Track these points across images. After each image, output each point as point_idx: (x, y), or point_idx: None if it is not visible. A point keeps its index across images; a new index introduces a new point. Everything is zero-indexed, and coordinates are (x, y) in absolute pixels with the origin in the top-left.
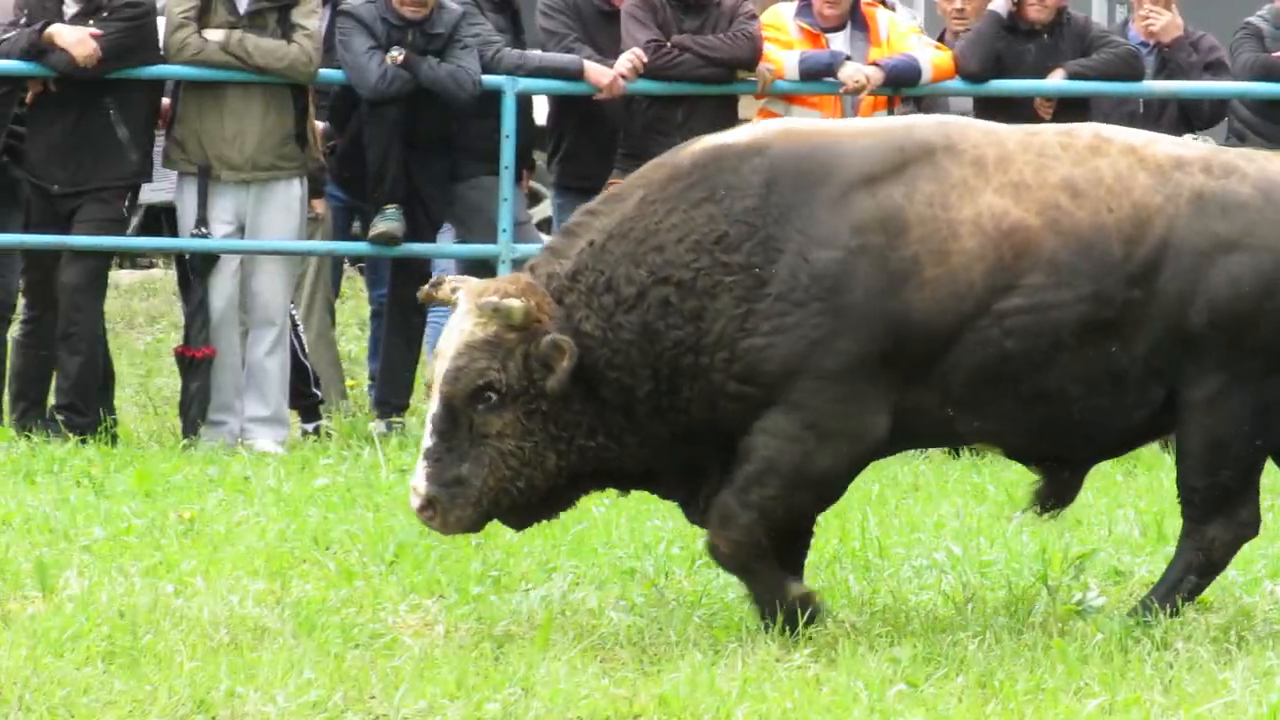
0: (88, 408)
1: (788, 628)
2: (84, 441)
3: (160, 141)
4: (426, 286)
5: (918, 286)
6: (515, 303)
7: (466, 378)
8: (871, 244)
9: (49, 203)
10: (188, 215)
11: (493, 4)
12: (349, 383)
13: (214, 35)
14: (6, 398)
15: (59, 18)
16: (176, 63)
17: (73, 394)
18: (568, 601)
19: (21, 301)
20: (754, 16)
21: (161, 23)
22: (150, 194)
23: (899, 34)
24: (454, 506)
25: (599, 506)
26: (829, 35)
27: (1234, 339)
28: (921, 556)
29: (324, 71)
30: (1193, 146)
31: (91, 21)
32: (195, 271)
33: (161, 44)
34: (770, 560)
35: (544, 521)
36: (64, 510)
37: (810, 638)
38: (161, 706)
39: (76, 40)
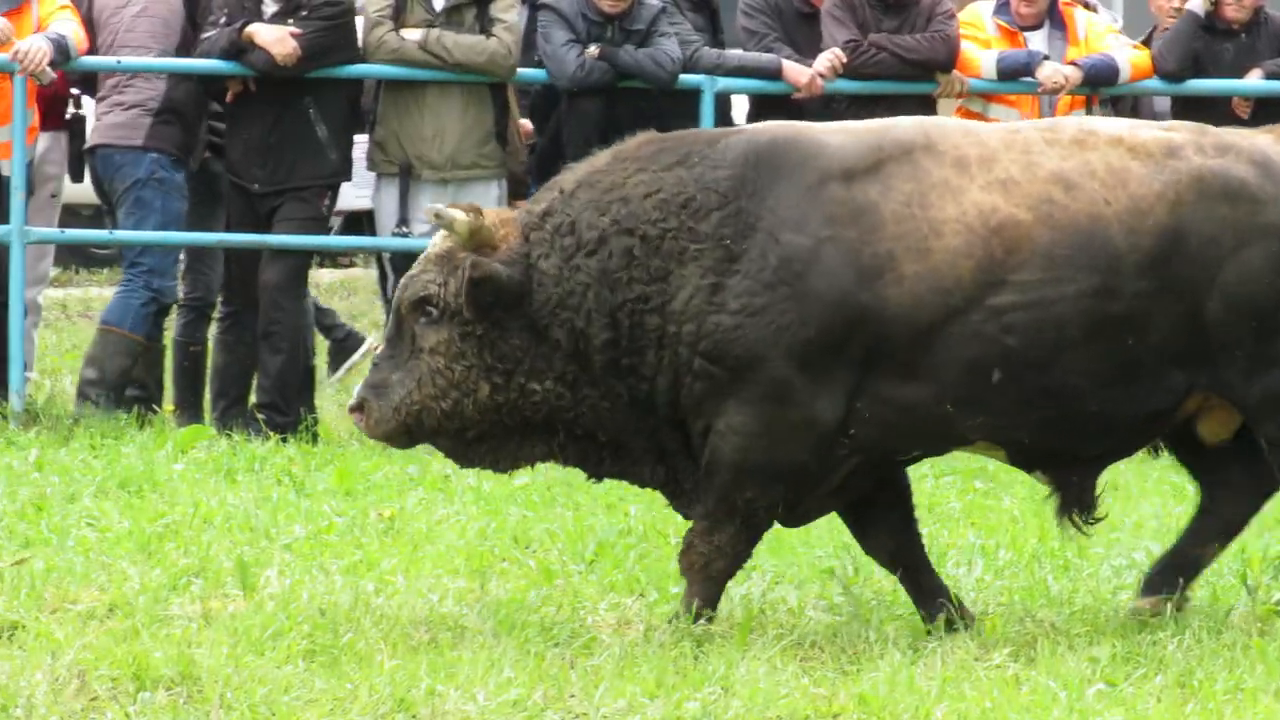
0: (289, 406)
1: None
2: (285, 440)
3: (359, 146)
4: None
5: (894, 281)
6: (459, 215)
7: (413, 287)
8: (842, 236)
9: (249, 201)
10: (388, 215)
11: (691, 3)
12: None
13: (411, 35)
14: (208, 396)
15: (258, 17)
16: (374, 62)
17: (274, 392)
18: (767, 600)
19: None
20: (952, 16)
21: (360, 23)
22: (354, 200)
23: (1096, 33)
24: (375, 409)
25: None
26: (1027, 34)
27: (1259, 323)
28: (1120, 556)
29: (524, 71)
30: (1180, 128)
31: (291, 21)
32: (396, 270)
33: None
34: (729, 576)
35: (491, 470)
36: (265, 509)
37: (1010, 637)
38: (362, 705)
39: (276, 39)
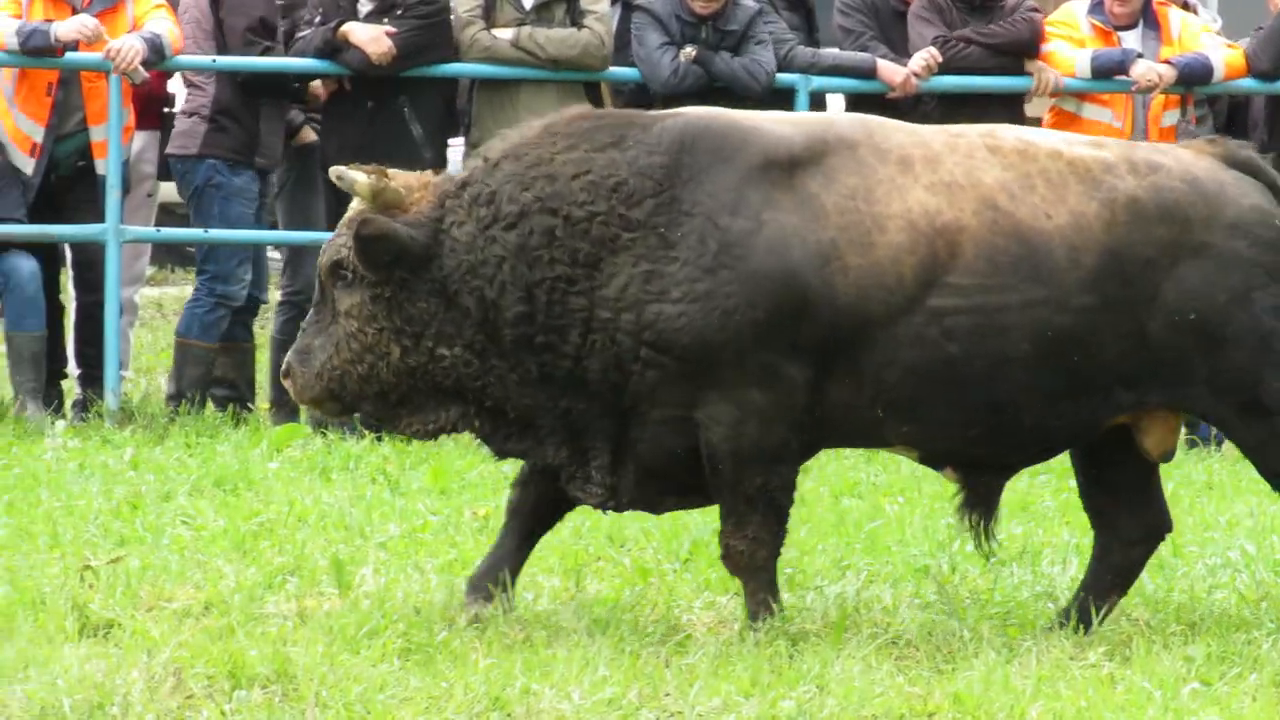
0: None
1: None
2: (380, 439)
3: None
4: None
5: (840, 271)
6: (360, 178)
7: (329, 251)
8: (785, 220)
9: (344, 200)
10: None
11: (787, 2)
12: None
13: (503, 33)
14: None
15: (354, 16)
16: (467, 60)
17: None
18: (862, 599)
19: None
20: (1035, 9)
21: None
22: None
23: (1190, 32)
24: (300, 373)
25: (892, 505)
26: (1121, 33)
27: (1223, 331)
28: (1215, 555)
29: (618, 70)
30: (1110, 145)
31: (386, 20)
32: None
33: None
34: (775, 561)
35: (418, 437)
36: (360, 507)
37: (1105, 636)
38: (457, 703)
39: (371, 38)
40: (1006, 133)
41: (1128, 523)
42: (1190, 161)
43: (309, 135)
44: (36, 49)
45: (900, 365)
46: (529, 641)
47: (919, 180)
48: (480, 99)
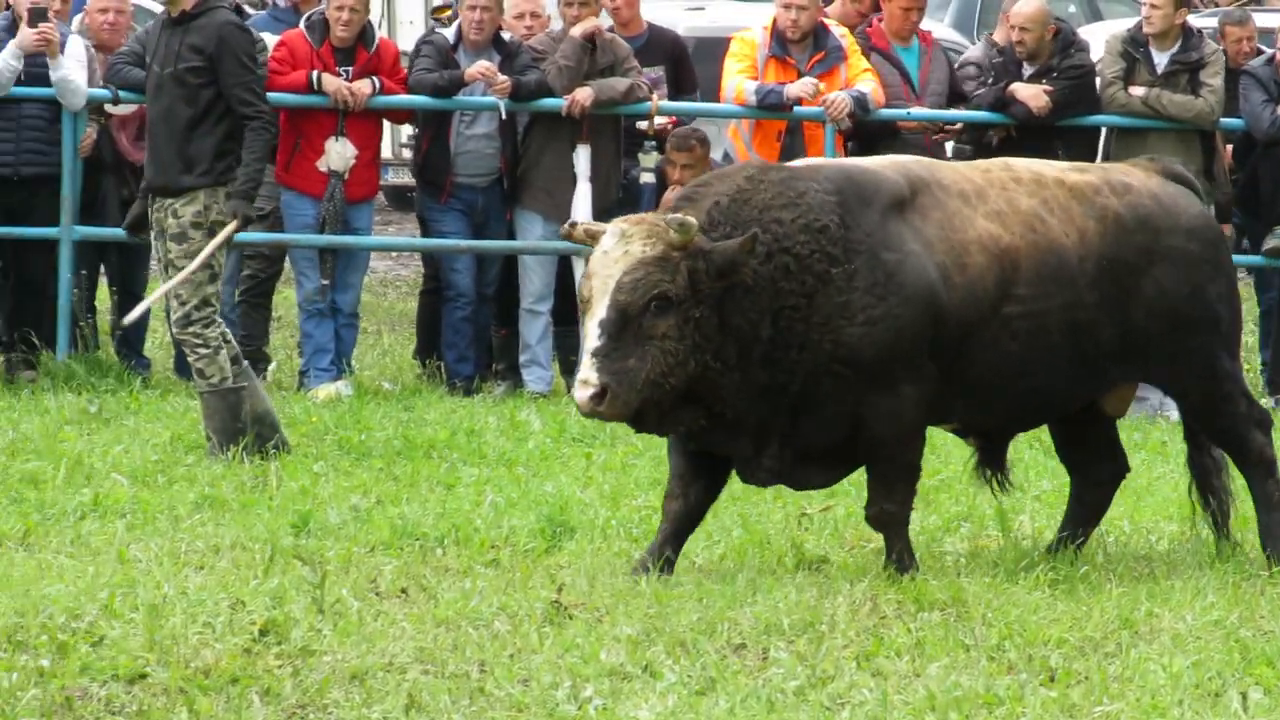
0: None
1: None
2: None
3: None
4: (564, 227)
5: (951, 288)
6: (693, 220)
7: (643, 288)
8: (916, 250)
9: None
10: None
11: None
12: None
13: (1136, 92)
14: None
15: (1019, 78)
16: (1107, 113)
17: None
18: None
19: None
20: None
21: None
22: None
23: None
24: (621, 391)
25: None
26: None
27: (1178, 320)
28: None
29: (1227, 120)
30: (1090, 170)
31: (1044, 80)
32: None
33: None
34: (909, 522)
35: (655, 433)
36: (1019, 468)
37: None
38: (1094, 623)
39: (1033, 95)
40: (1017, 164)
41: (1096, 468)
42: (1147, 180)
43: None
44: (770, 105)
45: (978, 361)
46: (1152, 574)
47: (978, 211)
48: (1117, 143)
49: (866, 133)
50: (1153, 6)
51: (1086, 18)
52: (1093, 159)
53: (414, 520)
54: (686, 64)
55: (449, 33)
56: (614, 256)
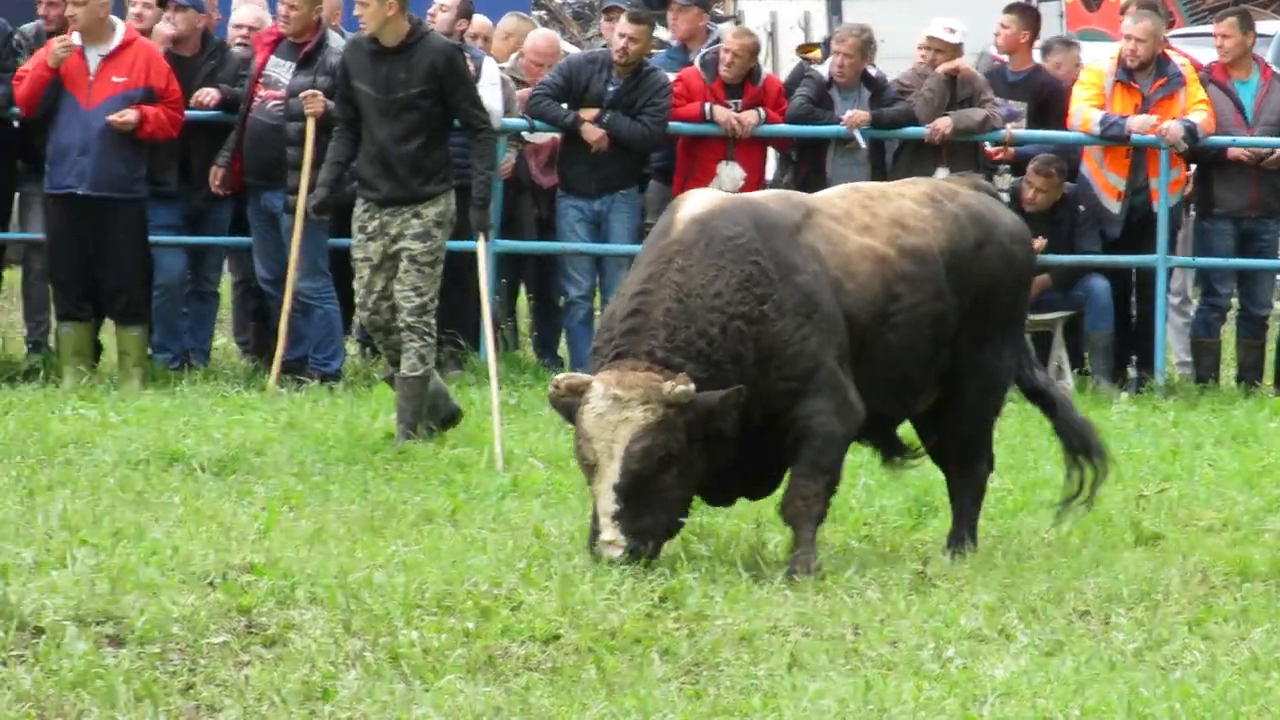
0: None
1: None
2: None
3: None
4: (551, 389)
5: (846, 294)
6: (690, 388)
7: (653, 455)
8: (816, 269)
9: None
10: None
11: None
12: None
13: None
14: None
15: None
16: None
17: None
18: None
19: None
20: None
21: None
22: None
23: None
24: (647, 548)
25: None
26: None
27: (990, 308)
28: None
29: None
30: (922, 183)
31: None
32: None
33: None
34: (824, 519)
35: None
36: None
37: None
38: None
39: None
40: (864, 186)
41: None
42: (967, 189)
43: None
44: (1112, 135)
45: (866, 357)
46: None
47: (849, 228)
48: None
49: (1203, 159)
50: None
51: None
52: None
53: None
54: (1056, 101)
55: (824, 69)
56: (612, 421)
